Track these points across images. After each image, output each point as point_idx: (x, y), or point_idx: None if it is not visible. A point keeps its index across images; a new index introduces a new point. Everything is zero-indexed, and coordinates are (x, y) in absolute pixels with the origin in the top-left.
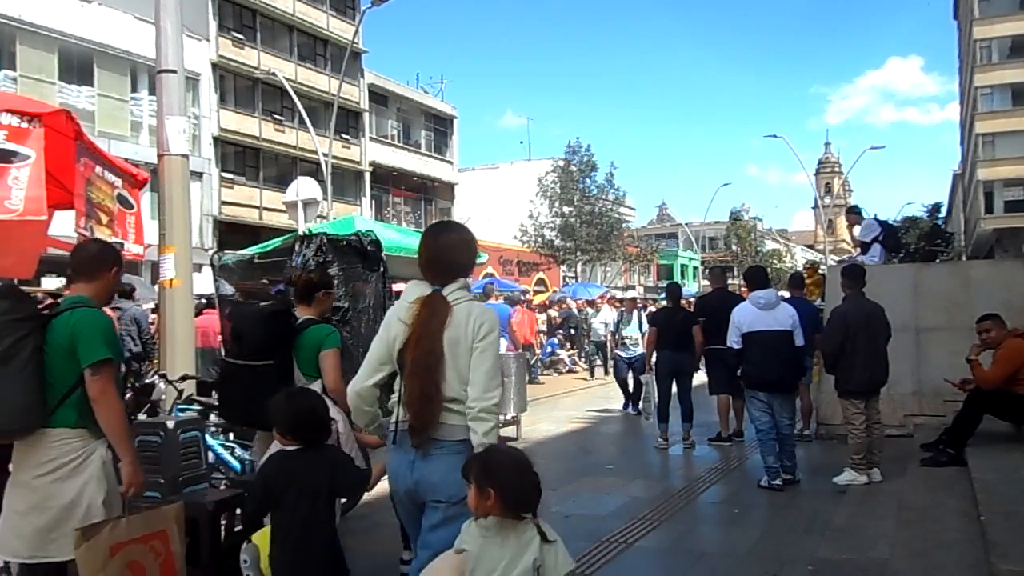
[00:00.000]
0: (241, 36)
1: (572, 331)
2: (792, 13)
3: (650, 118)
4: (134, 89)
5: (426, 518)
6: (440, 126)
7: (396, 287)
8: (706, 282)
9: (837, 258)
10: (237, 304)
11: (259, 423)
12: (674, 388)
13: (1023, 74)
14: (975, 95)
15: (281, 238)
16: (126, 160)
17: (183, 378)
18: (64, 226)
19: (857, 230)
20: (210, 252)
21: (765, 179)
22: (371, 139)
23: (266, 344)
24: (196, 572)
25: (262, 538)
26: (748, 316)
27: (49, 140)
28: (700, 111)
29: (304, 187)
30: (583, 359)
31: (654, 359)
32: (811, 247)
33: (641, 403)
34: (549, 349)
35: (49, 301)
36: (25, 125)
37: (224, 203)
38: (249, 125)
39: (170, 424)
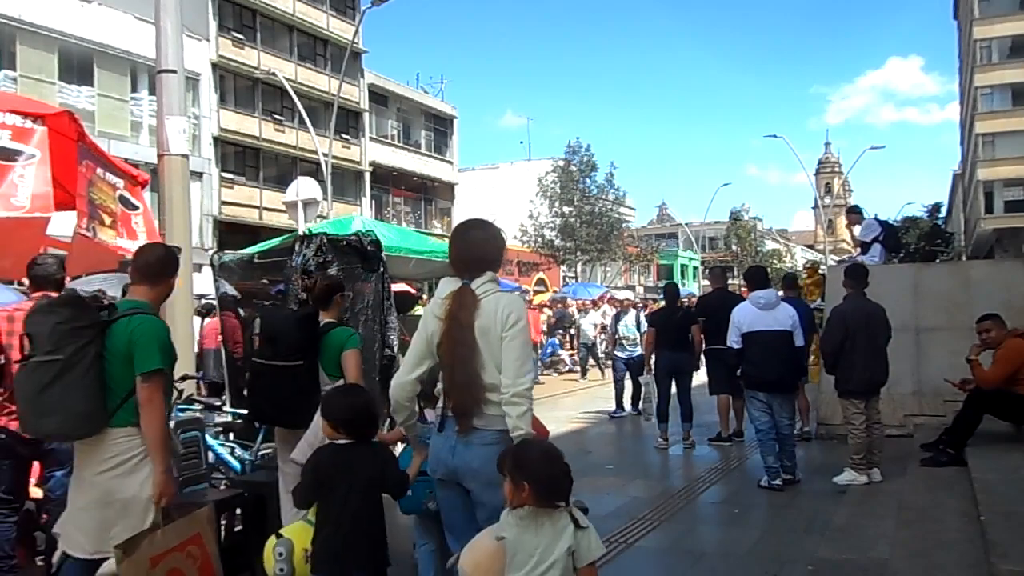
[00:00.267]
0: (241, 36)
1: (570, 332)
2: (792, 13)
3: (650, 118)
4: (134, 89)
5: (477, 513)
6: (440, 126)
7: (396, 287)
8: (706, 282)
9: (837, 258)
10: (265, 308)
11: (288, 420)
12: (674, 388)
13: (1023, 74)
14: (975, 95)
15: (281, 238)
16: (126, 160)
17: (183, 378)
18: (63, 226)
19: (857, 230)
20: (210, 252)
21: (765, 179)
22: (371, 139)
23: (298, 346)
24: None
25: (295, 532)
26: (748, 316)
27: (52, 141)
28: (700, 111)
29: (304, 187)
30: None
31: (653, 359)
32: (811, 247)
33: (641, 403)
34: (550, 349)
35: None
36: (29, 125)
37: (224, 203)
38: (249, 125)
39: (170, 424)
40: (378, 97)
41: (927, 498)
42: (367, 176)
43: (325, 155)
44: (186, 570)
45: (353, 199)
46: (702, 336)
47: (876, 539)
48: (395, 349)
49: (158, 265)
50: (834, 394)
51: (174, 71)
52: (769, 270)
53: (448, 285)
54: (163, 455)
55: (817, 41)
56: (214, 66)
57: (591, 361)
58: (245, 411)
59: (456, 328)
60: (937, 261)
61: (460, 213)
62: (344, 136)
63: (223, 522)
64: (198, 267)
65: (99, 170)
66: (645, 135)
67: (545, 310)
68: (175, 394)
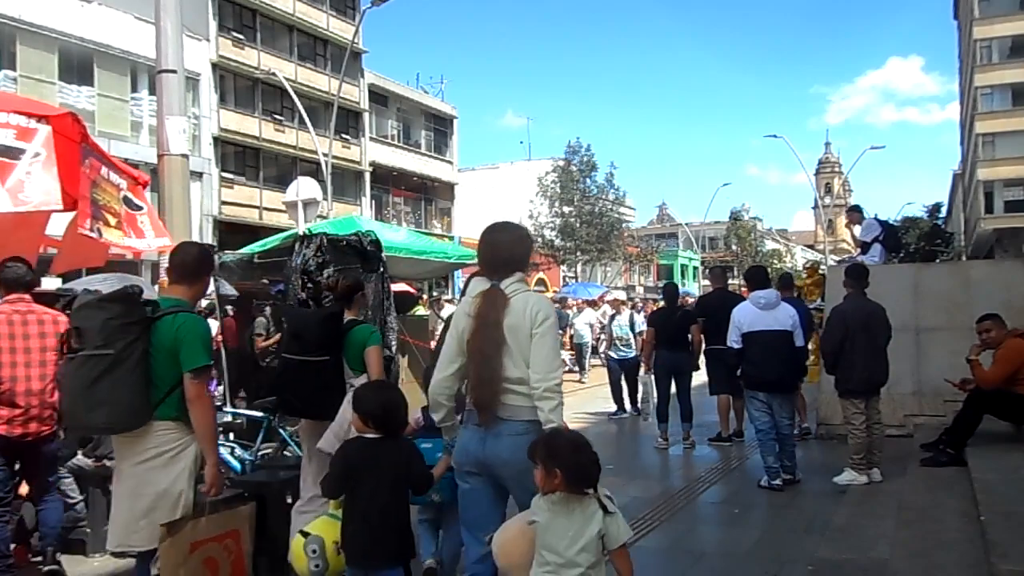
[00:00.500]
0: (241, 36)
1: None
2: (792, 13)
3: (650, 118)
4: (134, 89)
5: (514, 500)
6: (440, 126)
7: (396, 287)
8: (706, 282)
9: (837, 258)
10: (291, 306)
11: (314, 413)
12: (673, 388)
13: (1023, 74)
14: (975, 95)
15: (280, 236)
16: (126, 160)
17: None
18: (61, 227)
19: (857, 230)
20: None
21: (765, 179)
22: (371, 139)
23: (324, 342)
24: None
25: (322, 527)
26: (748, 316)
27: (55, 142)
28: (700, 111)
29: (304, 187)
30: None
31: (652, 359)
32: (811, 247)
33: (640, 403)
34: None
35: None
36: (33, 125)
37: (224, 203)
38: (249, 125)
39: None
40: (378, 97)
41: (927, 498)
42: (367, 176)
43: (325, 155)
44: (221, 561)
45: (353, 199)
46: (702, 336)
47: (876, 539)
48: (394, 350)
49: (194, 264)
50: (834, 394)
51: (174, 71)
52: (769, 270)
53: (478, 285)
54: (214, 448)
55: (817, 41)
56: (214, 66)
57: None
58: (247, 411)
59: (484, 326)
60: (937, 261)
61: (460, 213)
62: (344, 136)
63: None
64: None
65: (103, 170)
66: (645, 135)
67: None
68: None
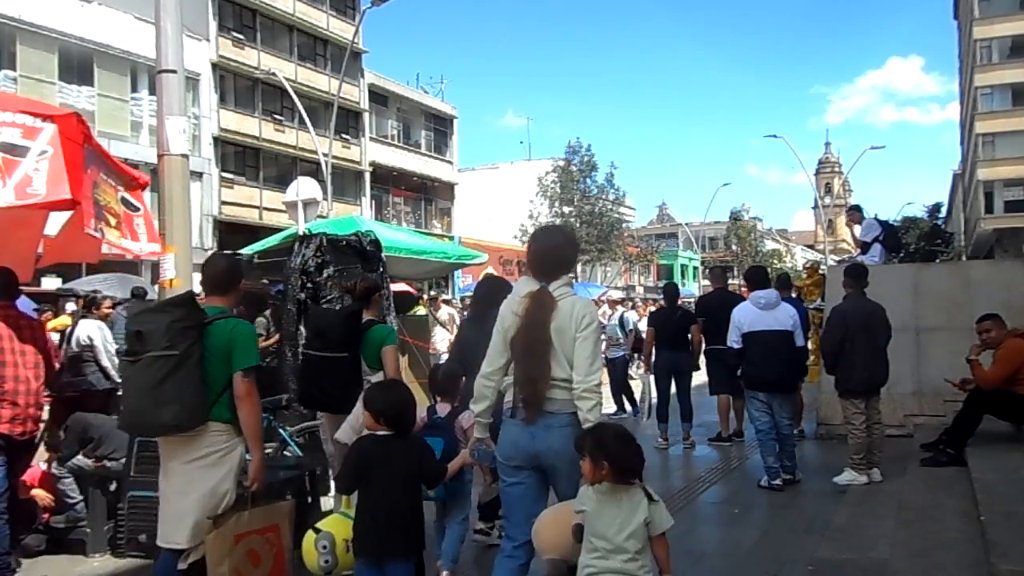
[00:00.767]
0: (241, 36)
1: None
2: (792, 13)
3: (650, 118)
4: (134, 89)
5: (557, 487)
6: (440, 126)
7: (396, 287)
8: (706, 282)
9: (837, 258)
10: (315, 306)
11: (334, 406)
12: (673, 388)
13: (1023, 74)
14: (975, 95)
15: (280, 236)
16: (125, 160)
17: None
18: (57, 228)
19: (858, 229)
20: (210, 252)
21: (765, 179)
22: (371, 139)
23: (343, 340)
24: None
25: (333, 525)
26: (748, 316)
27: (68, 148)
28: (700, 111)
29: (304, 187)
30: None
31: (652, 359)
32: (811, 247)
33: (638, 403)
34: None
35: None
36: (39, 124)
37: (224, 203)
38: (249, 125)
39: None
40: (378, 97)
41: (927, 498)
42: (367, 176)
43: (325, 155)
44: (263, 554)
45: (353, 199)
46: (702, 336)
47: (876, 539)
48: None
49: (224, 276)
50: (834, 394)
51: (174, 71)
52: (769, 270)
53: (526, 285)
54: (259, 444)
55: (817, 41)
56: (214, 66)
57: None
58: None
59: (533, 326)
60: (937, 261)
61: (460, 213)
62: (344, 136)
63: None
64: (198, 267)
65: (103, 172)
66: (645, 135)
67: None
68: None
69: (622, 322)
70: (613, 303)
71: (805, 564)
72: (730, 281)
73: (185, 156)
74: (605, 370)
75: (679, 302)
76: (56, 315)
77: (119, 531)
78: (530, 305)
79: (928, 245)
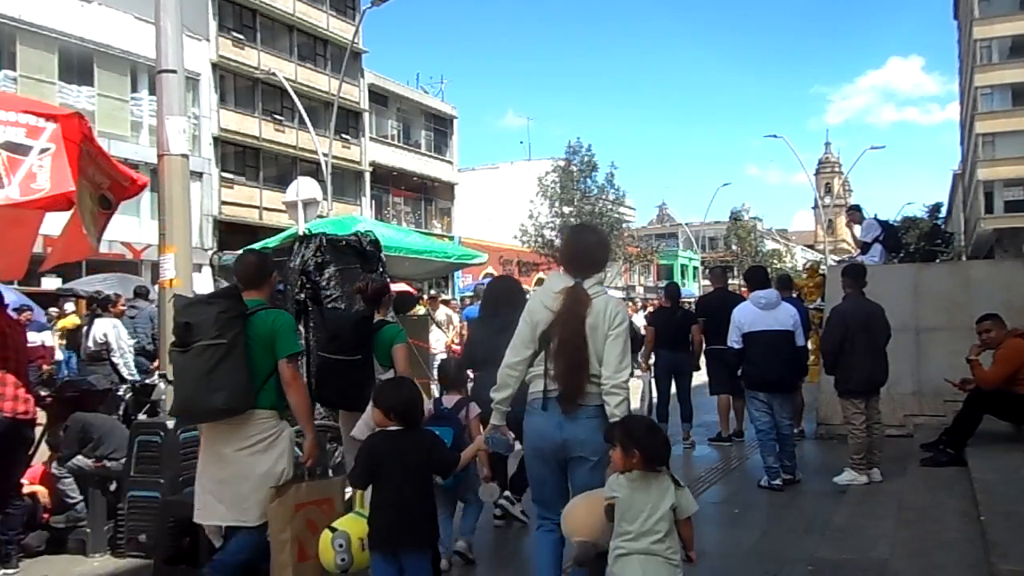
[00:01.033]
0: (241, 36)
1: None
2: (792, 13)
3: (650, 118)
4: (134, 89)
5: (577, 472)
6: (440, 126)
7: (396, 287)
8: (706, 282)
9: (837, 258)
10: (330, 310)
11: (349, 404)
12: (673, 388)
13: (1023, 74)
14: (975, 95)
15: (280, 236)
16: (125, 161)
17: None
18: (56, 226)
19: (858, 229)
20: (210, 252)
21: (765, 179)
22: (371, 139)
23: (356, 342)
24: (196, 572)
25: (349, 524)
26: (749, 316)
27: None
28: (700, 111)
29: (304, 187)
30: None
31: (652, 359)
32: (811, 247)
33: (637, 403)
34: None
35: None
36: (42, 124)
37: (224, 203)
38: (249, 125)
39: (170, 424)
40: (378, 97)
41: (927, 498)
42: (367, 176)
43: (325, 155)
44: (319, 524)
45: (353, 199)
46: (702, 336)
47: (876, 539)
48: None
49: (254, 270)
50: (834, 394)
51: (174, 71)
52: (769, 270)
53: (559, 281)
54: (311, 425)
55: (817, 41)
56: (214, 66)
57: None
58: None
59: (573, 321)
60: (937, 261)
61: (460, 213)
62: (344, 136)
63: None
64: (198, 267)
65: (90, 170)
66: (645, 135)
67: None
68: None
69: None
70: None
71: (805, 564)
72: (730, 281)
73: (185, 156)
74: None
75: (680, 302)
76: (62, 315)
77: (119, 531)
78: (568, 300)
79: (928, 245)
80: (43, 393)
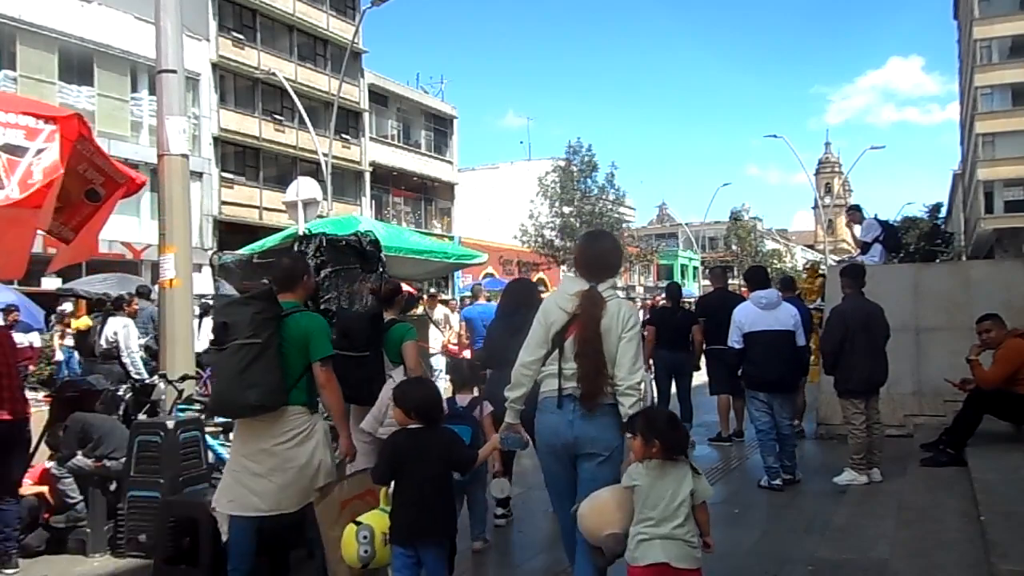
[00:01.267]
0: (241, 36)
1: None
2: (792, 13)
3: (650, 118)
4: (134, 89)
5: (584, 465)
6: (440, 126)
7: None
8: (706, 282)
9: (837, 258)
10: (343, 309)
11: (360, 399)
12: (673, 388)
13: (1023, 74)
14: (975, 95)
15: (280, 235)
16: (125, 161)
17: (183, 378)
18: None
19: (858, 229)
20: (210, 252)
21: (765, 179)
22: (371, 139)
23: (367, 339)
24: (196, 572)
25: (373, 519)
26: (749, 316)
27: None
28: (700, 111)
29: (304, 187)
30: None
31: (652, 359)
32: (811, 247)
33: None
34: None
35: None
36: (41, 126)
37: (224, 203)
38: (249, 125)
39: (170, 424)
40: (378, 97)
41: (927, 498)
42: (367, 176)
43: (325, 155)
44: None
45: (353, 199)
46: (702, 336)
47: (876, 539)
48: None
49: (288, 273)
50: (834, 394)
51: (174, 71)
52: (769, 270)
53: (574, 284)
54: (345, 423)
55: (817, 41)
56: (214, 66)
57: None
58: None
59: (590, 323)
60: (937, 261)
61: (460, 213)
62: (344, 136)
63: None
64: (198, 267)
65: (82, 166)
66: (645, 135)
67: None
68: (176, 394)
69: None
70: None
71: (805, 564)
72: (730, 281)
73: (185, 156)
74: None
75: (680, 302)
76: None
77: (119, 531)
78: (585, 303)
79: (928, 245)
80: (41, 395)
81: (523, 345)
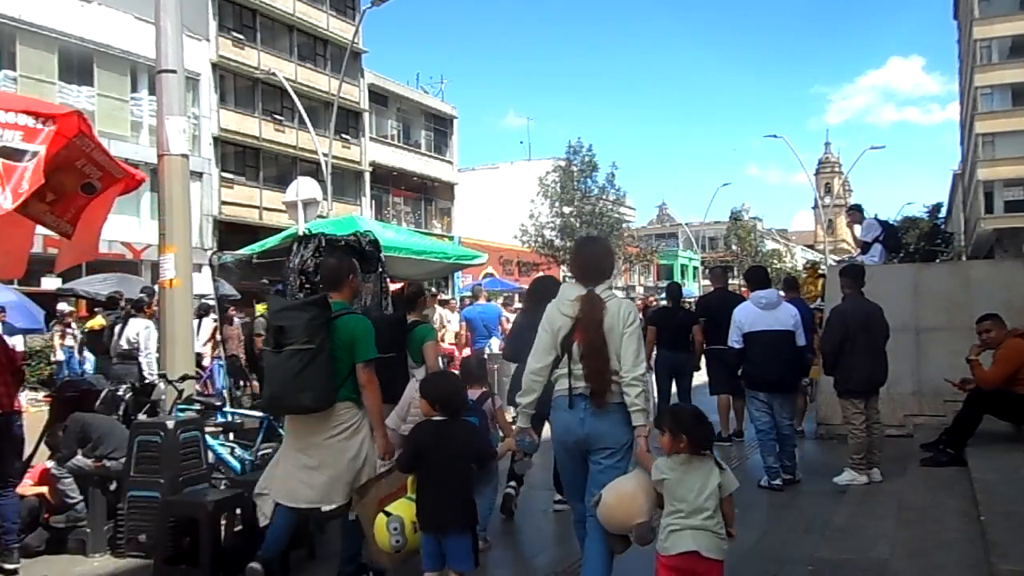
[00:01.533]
0: (241, 36)
1: None
2: (792, 13)
3: (650, 118)
4: (134, 89)
5: (595, 461)
6: (440, 126)
7: (395, 287)
8: (706, 282)
9: (837, 258)
10: (367, 311)
11: (386, 398)
12: (673, 388)
13: (1023, 74)
14: (975, 95)
15: (279, 236)
16: (126, 160)
17: (183, 378)
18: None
19: (858, 229)
20: (210, 252)
21: (765, 179)
22: (371, 139)
23: (393, 341)
24: (196, 572)
25: (402, 508)
26: (749, 316)
27: (54, 141)
28: (700, 111)
29: (304, 187)
30: None
31: (653, 359)
32: (811, 247)
33: None
34: None
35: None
36: (39, 125)
37: (224, 203)
38: (249, 125)
39: (170, 424)
40: (378, 97)
41: (927, 498)
42: (367, 176)
43: (325, 155)
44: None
45: (353, 199)
46: (703, 336)
47: (876, 539)
48: None
49: (334, 273)
50: (834, 394)
51: (174, 71)
52: (769, 270)
53: (573, 290)
54: (382, 422)
55: (817, 41)
56: (214, 66)
57: None
58: (247, 411)
59: (592, 325)
60: (937, 261)
61: (460, 213)
62: (344, 136)
63: (223, 522)
64: (198, 267)
65: (79, 161)
66: (645, 135)
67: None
68: (176, 394)
69: None
70: None
71: (805, 564)
72: (730, 281)
73: (185, 156)
74: None
75: (680, 302)
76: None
77: (119, 531)
78: (586, 306)
79: (928, 245)
80: (41, 395)
81: (531, 352)
